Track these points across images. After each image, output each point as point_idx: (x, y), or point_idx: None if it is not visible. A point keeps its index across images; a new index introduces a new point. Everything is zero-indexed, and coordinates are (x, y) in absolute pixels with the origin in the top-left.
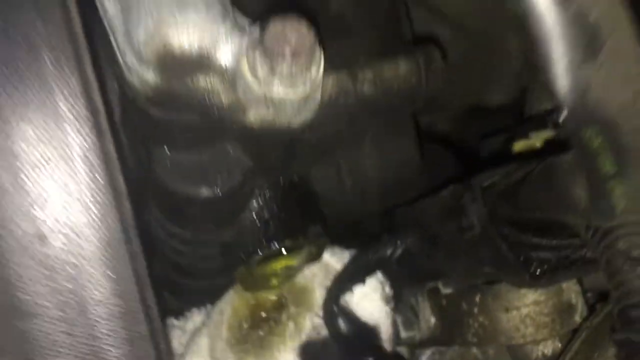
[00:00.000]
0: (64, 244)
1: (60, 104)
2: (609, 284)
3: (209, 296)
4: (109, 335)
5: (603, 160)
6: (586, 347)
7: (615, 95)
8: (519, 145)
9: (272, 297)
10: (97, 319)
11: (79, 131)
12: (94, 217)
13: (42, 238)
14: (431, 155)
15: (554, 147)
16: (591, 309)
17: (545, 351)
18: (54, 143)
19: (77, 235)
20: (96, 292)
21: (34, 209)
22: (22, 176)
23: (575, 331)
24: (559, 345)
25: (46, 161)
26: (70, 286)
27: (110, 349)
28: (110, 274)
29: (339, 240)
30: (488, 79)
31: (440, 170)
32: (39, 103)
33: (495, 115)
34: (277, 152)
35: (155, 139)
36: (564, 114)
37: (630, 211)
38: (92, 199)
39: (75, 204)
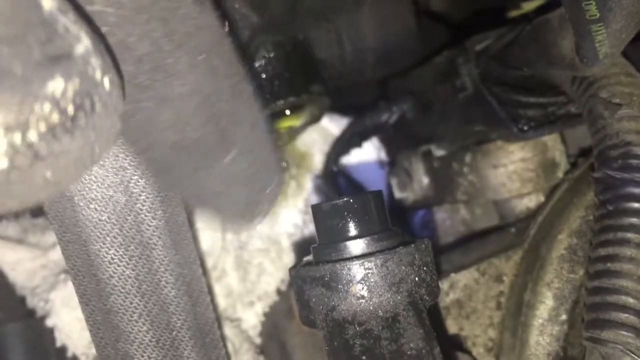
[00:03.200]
0: None
1: None
2: (589, 131)
3: None
4: None
5: (587, 3)
6: (567, 195)
7: None
8: (512, 15)
9: None
10: None
11: None
12: None
13: None
14: (426, 28)
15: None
16: (573, 166)
17: (530, 204)
18: None
19: None
20: None
21: None
22: None
23: (557, 186)
24: (542, 199)
25: None
26: None
27: None
28: None
29: (337, 106)
30: None
31: (435, 42)
32: None
33: None
34: (281, 7)
35: None
36: None
37: (611, 55)
38: None
39: None
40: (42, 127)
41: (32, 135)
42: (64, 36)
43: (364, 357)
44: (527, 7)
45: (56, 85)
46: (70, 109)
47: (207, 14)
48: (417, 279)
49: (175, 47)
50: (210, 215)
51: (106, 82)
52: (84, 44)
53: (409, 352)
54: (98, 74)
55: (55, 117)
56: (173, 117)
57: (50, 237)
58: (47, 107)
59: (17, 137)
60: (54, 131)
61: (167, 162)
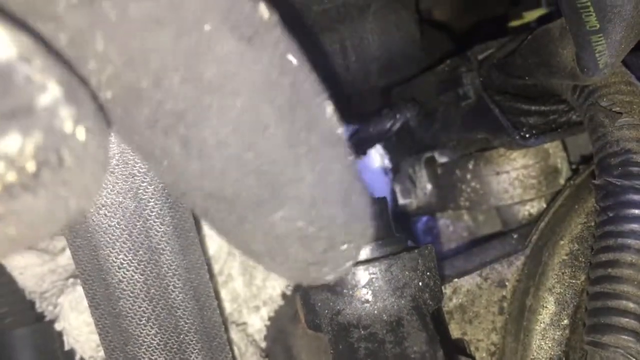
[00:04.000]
0: None
1: None
2: (590, 139)
3: None
4: None
5: (588, 15)
6: (568, 201)
7: None
8: (513, 24)
9: None
10: None
11: None
12: None
13: None
14: (429, 37)
15: (545, 21)
16: (574, 173)
17: (532, 211)
18: None
19: None
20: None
21: None
22: None
23: (559, 192)
24: (544, 205)
25: None
26: None
27: None
28: None
29: (341, 114)
30: None
31: (438, 51)
32: None
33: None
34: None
35: None
36: None
37: (611, 65)
38: None
39: None
40: None
41: None
42: (23, 88)
43: None
44: (529, 17)
45: (10, 143)
46: (30, 166)
47: (254, 50)
48: (420, 283)
49: (203, 93)
50: (267, 269)
51: (79, 132)
52: (50, 94)
53: (412, 356)
54: (68, 126)
55: (11, 176)
56: (206, 167)
57: (59, 243)
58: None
59: None
60: (11, 190)
61: (206, 211)
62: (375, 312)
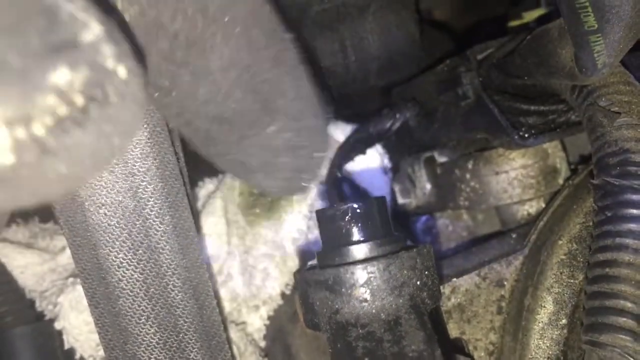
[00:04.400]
0: None
1: None
2: (589, 138)
3: None
4: None
5: (586, 15)
6: (566, 201)
7: None
8: (513, 24)
9: None
10: None
11: None
12: None
13: None
14: (429, 37)
15: (545, 21)
16: (573, 172)
17: (530, 210)
18: None
19: None
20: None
21: None
22: None
23: (557, 192)
24: (543, 205)
25: None
26: None
27: None
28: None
29: (341, 114)
30: None
31: (438, 50)
32: None
33: (491, 2)
34: (288, 17)
35: None
36: None
37: (609, 65)
38: None
39: None
40: (49, 120)
41: (38, 129)
42: (68, 24)
43: (366, 359)
44: (528, 17)
45: (60, 76)
46: (80, 101)
47: None
48: (418, 282)
49: (209, 22)
50: (258, 184)
51: (121, 71)
52: (93, 31)
53: (410, 354)
54: (110, 63)
55: (62, 110)
56: (212, 90)
57: (59, 242)
58: (51, 99)
59: (20, 132)
60: (63, 124)
61: (211, 134)
62: (374, 311)
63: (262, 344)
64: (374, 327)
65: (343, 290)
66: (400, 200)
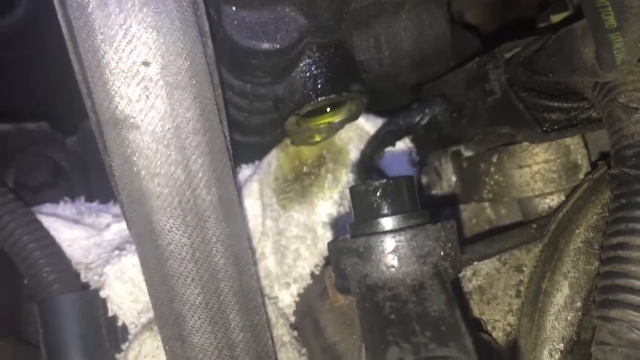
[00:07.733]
0: None
1: None
2: (608, 133)
3: (258, 152)
4: None
5: (607, 15)
6: (586, 194)
7: None
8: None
9: (314, 152)
10: None
11: None
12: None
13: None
14: (460, 37)
15: (570, 22)
16: (593, 168)
17: (551, 204)
18: None
19: None
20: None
21: None
22: None
23: (578, 186)
24: (563, 199)
25: None
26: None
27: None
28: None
29: (373, 107)
30: None
31: (467, 49)
32: None
33: (521, 6)
34: (328, 13)
35: None
36: None
37: (628, 62)
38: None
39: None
40: None
41: None
42: None
43: (392, 316)
44: (555, 19)
45: None
46: None
47: None
48: (442, 253)
49: None
50: None
51: None
52: None
53: (432, 314)
54: None
55: None
56: None
57: (104, 219)
58: None
59: None
60: None
61: None
62: (400, 276)
63: (292, 319)
64: (400, 290)
65: (373, 257)
66: (426, 192)
